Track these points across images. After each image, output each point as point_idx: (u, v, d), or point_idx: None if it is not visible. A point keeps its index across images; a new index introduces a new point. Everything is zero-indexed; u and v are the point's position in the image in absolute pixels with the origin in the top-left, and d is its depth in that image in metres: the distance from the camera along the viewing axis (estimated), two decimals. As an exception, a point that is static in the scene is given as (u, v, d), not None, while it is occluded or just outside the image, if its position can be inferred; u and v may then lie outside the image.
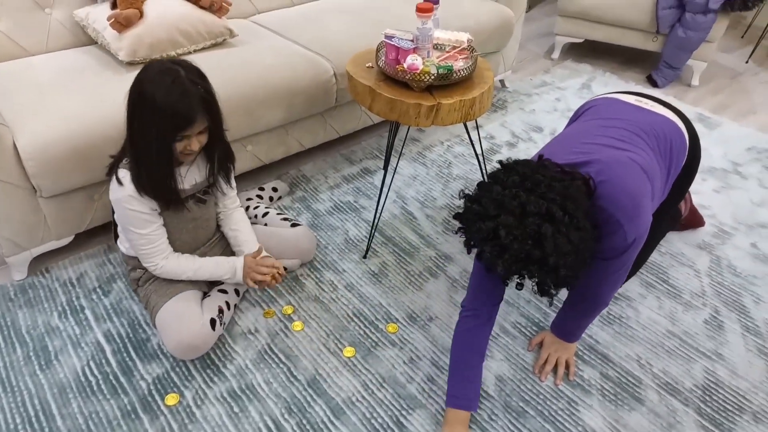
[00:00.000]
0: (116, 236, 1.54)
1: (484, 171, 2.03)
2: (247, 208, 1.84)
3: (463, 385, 1.33)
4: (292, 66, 1.94)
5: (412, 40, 1.62)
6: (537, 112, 2.66)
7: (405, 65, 1.56)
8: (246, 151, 1.97)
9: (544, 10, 3.89)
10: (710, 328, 1.62)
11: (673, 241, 1.90)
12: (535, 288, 1.13)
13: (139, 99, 1.23)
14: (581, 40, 3.12)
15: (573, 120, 1.55)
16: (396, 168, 2.18)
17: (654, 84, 2.97)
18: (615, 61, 3.23)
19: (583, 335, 1.57)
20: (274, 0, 2.40)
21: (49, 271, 1.70)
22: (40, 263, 1.71)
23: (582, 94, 2.83)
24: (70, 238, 1.72)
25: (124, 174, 1.31)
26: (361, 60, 1.76)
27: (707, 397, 1.44)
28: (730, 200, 2.11)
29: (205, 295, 1.54)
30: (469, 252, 1.16)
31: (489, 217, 1.07)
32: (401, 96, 1.55)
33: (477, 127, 1.89)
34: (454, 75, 1.57)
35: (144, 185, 1.31)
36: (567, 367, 1.48)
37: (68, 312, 1.57)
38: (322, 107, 2.05)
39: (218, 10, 1.96)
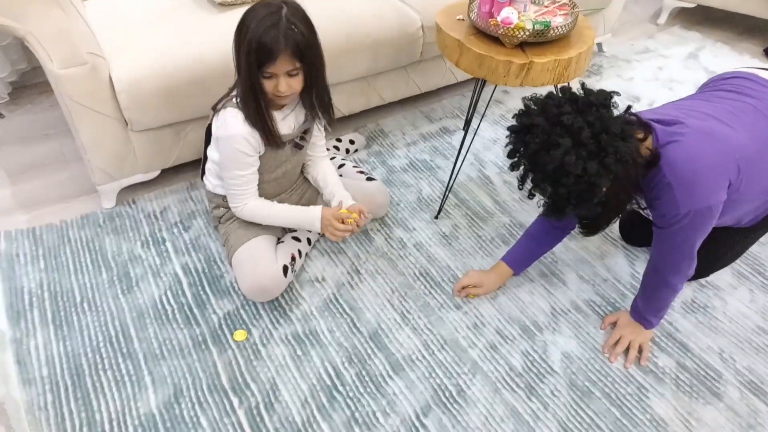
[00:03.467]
0: (203, 172, 1.58)
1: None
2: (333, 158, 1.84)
3: (522, 254, 1.52)
4: (381, 15, 1.88)
5: (509, -8, 1.52)
6: (635, 80, 2.47)
7: (499, 18, 1.47)
8: (327, 100, 1.96)
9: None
10: (809, 330, 1.48)
11: (776, 232, 1.74)
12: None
13: (237, 29, 1.24)
14: (693, 5, 2.85)
15: (700, 89, 1.44)
16: (477, 130, 2.10)
17: (773, 58, 2.68)
18: (729, 30, 2.93)
19: (662, 322, 1.48)
20: (367, -54, 2.33)
21: (135, 202, 1.79)
22: (127, 194, 1.80)
23: (688, 64, 2.60)
24: (157, 173, 1.79)
25: (235, 113, 1.32)
26: (453, 12, 1.68)
27: (796, 403, 1.32)
28: None
29: (279, 240, 1.56)
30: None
31: (530, 114, 1.13)
32: (491, 52, 1.47)
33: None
34: (551, 32, 1.47)
35: (249, 118, 1.32)
36: (640, 351, 1.41)
37: (150, 243, 1.65)
38: (406, 60, 2.00)
39: (310, -47, 1.93)
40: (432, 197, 1.85)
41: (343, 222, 1.45)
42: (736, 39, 2.85)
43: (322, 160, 1.62)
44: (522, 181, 1.16)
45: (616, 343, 1.41)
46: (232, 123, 1.32)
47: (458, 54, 1.55)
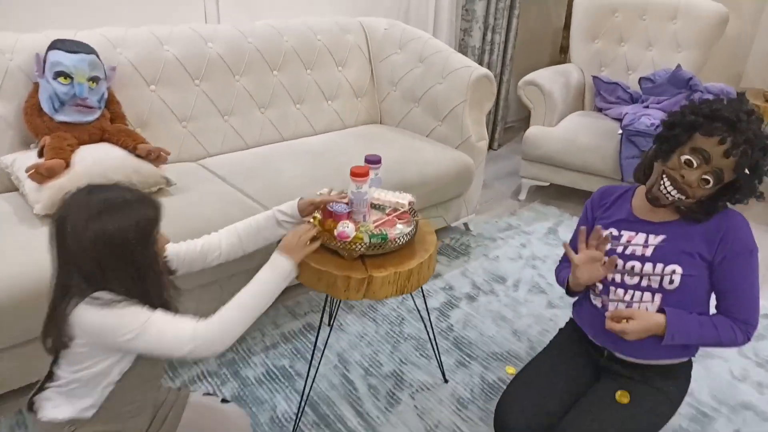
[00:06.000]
0: (31, 403, 1.25)
1: (433, 341, 1.84)
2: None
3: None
4: (230, 218, 1.78)
5: (348, 203, 1.50)
6: (501, 260, 2.53)
7: (335, 232, 1.42)
8: (171, 309, 1.79)
9: (512, 148, 3.93)
10: None
11: (647, 425, 1.67)
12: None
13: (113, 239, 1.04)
14: (547, 184, 3.08)
15: None
16: (332, 326, 1.99)
17: (623, 229, 2.89)
18: (579, 202, 3.17)
19: None
20: (228, 142, 2.35)
21: None
22: None
23: (548, 239, 2.73)
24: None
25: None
26: (296, 219, 1.63)
27: None
28: (707, 373, 1.91)
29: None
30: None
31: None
32: (329, 266, 1.40)
33: (423, 296, 1.74)
34: (389, 244, 1.43)
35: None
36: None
37: None
38: (259, 262, 1.89)
39: (156, 159, 1.87)
40: (287, 415, 1.65)
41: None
42: (589, 212, 3.07)
43: (198, 242, 1.37)
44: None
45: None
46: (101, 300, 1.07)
47: (298, 267, 1.46)
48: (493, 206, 3.08)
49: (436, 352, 1.81)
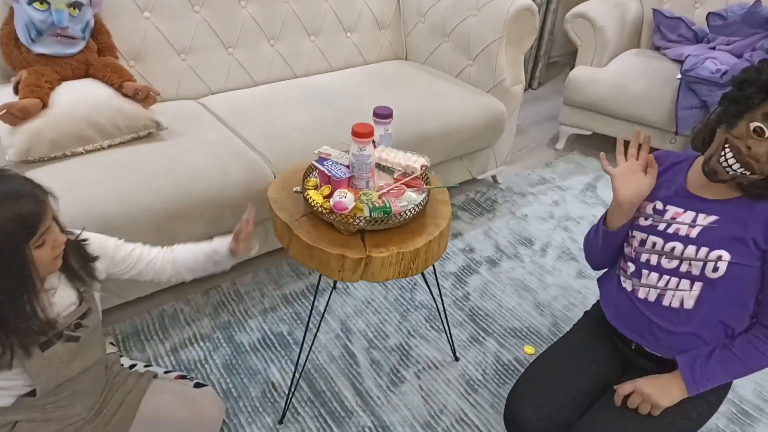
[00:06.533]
0: None
1: (443, 314, 1.66)
2: (133, 366, 1.37)
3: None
4: (224, 171, 1.62)
5: (348, 166, 1.29)
6: (529, 219, 2.30)
7: (331, 202, 1.22)
8: (160, 267, 1.65)
9: (554, 88, 3.57)
10: None
11: None
12: None
13: None
14: (589, 132, 2.77)
15: None
16: (333, 288, 1.83)
17: (671, 187, 2.59)
18: (628, 155, 2.85)
19: None
20: (232, 79, 2.12)
21: None
22: None
23: (585, 197, 2.47)
24: None
25: None
26: (292, 181, 1.43)
27: None
28: (753, 365, 1.69)
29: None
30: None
31: None
32: (322, 241, 1.21)
33: (435, 273, 1.54)
34: (393, 219, 1.22)
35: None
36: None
37: None
38: (257, 219, 1.73)
39: (144, 99, 1.67)
40: (281, 389, 1.53)
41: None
42: (634, 165, 2.77)
43: (153, 257, 1.23)
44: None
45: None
46: None
47: (288, 239, 1.28)
48: (527, 156, 2.80)
49: (447, 328, 1.64)
